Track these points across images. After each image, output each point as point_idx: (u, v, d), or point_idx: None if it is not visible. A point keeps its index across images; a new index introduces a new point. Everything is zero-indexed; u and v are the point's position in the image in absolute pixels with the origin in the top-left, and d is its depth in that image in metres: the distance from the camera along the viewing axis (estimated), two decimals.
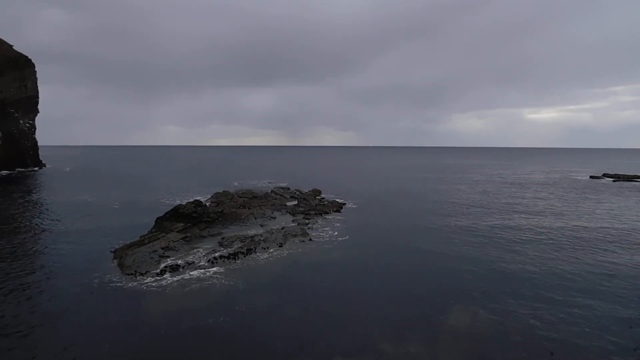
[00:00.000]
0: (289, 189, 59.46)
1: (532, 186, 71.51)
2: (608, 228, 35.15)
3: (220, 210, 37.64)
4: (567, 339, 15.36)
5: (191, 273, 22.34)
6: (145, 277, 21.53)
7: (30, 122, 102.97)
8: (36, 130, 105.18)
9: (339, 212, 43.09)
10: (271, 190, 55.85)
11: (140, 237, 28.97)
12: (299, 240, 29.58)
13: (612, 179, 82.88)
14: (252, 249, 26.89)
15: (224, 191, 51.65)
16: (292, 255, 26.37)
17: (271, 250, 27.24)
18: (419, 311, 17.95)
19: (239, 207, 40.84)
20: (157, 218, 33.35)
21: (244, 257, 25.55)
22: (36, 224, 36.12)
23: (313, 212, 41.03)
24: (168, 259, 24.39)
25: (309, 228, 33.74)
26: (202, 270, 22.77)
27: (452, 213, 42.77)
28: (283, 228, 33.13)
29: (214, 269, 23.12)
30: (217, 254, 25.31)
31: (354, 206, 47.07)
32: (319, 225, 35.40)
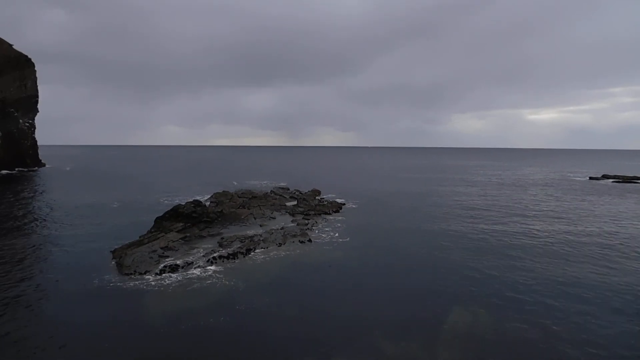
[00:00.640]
0: (288, 189, 59.45)
1: (531, 187, 71.56)
2: (607, 231, 35.16)
3: (219, 210, 37.63)
4: (567, 339, 15.36)
5: (190, 273, 22.34)
6: (144, 277, 21.51)
7: (30, 121, 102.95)
8: (36, 130, 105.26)
9: (339, 212, 43.10)
10: (271, 191, 55.84)
11: (140, 237, 28.96)
12: (299, 240, 29.57)
13: (611, 180, 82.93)
14: (251, 249, 26.89)
15: (223, 191, 51.64)
16: (291, 255, 26.37)
17: (270, 250, 27.23)
18: (418, 311, 17.96)
19: (239, 207, 40.84)
20: (157, 218, 33.33)
21: (244, 257, 25.54)
22: (35, 224, 36.10)
23: (312, 212, 41.03)
24: (167, 259, 24.38)
25: (308, 228, 33.74)
26: (201, 270, 22.76)
27: (451, 214, 42.77)
28: (282, 228, 33.14)
29: (213, 269, 23.12)
30: (216, 254, 25.30)
31: (353, 206, 47.07)
32: (319, 226, 35.40)
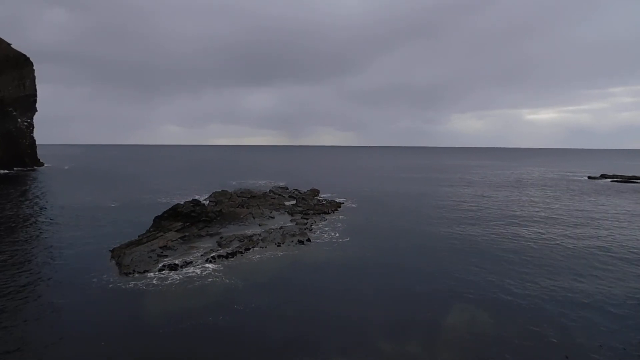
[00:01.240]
0: (287, 188, 59.43)
1: (530, 187, 71.65)
2: (606, 231, 35.24)
3: (218, 209, 37.62)
4: (566, 340, 15.40)
5: (189, 272, 22.33)
6: (143, 277, 21.51)
7: (29, 120, 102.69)
8: (35, 129, 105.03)
9: (338, 211, 43.12)
10: (270, 190, 55.81)
11: (139, 236, 28.95)
12: (297, 240, 29.58)
13: (610, 180, 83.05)
14: (250, 249, 26.91)
15: (222, 191, 51.64)
16: (290, 254, 26.38)
17: (269, 249, 27.24)
18: (417, 311, 17.98)
19: (238, 207, 40.82)
20: (156, 217, 33.30)
21: (242, 256, 25.55)
22: (33, 223, 36.07)
23: (311, 211, 41.04)
24: (166, 259, 24.38)
25: (307, 228, 33.75)
26: (200, 270, 22.75)
27: (450, 214, 42.81)
28: (281, 228, 33.14)
29: (212, 268, 23.12)
30: (215, 254, 25.31)
31: (352, 206, 47.09)
32: (318, 225, 35.41)
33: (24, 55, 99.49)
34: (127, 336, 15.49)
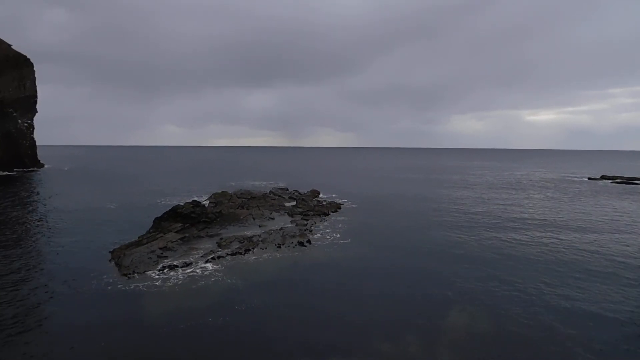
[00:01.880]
0: (287, 189, 59.42)
1: (529, 188, 71.63)
2: (605, 230, 35.23)
3: (218, 210, 37.62)
4: (565, 342, 15.39)
5: (189, 273, 22.32)
6: (143, 278, 21.50)
7: (29, 121, 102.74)
8: (35, 130, 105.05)
9: (338, 212, 43.10)
10: (270, 191, 55.79)
11: (138, 237, 28.93)
12: (297, 241, 29.56)
13: (610, 181, 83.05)
14: (250, 250, 26.89)
15: (222, 191, 51.58)
16: (290, 256, 26.36)
17: (269, 251, 27.23)
18: (417, 312, 17.98)
19: (238, 208, 40.82)
20: (155, 218, 33.30)
21: (242, 257, 25.54)
22: (33, 224, 36.05)
23: (311, 212, 41.02)
24: (166, 260, 24.37)
25: (307, 229, 33.73)
26: (200, 271, 22.74)
27: (450, 215, 42.80)
28: (281, 229, 33.13)
29: (212, 269, 23.10)
30: (215, 255, 25.30)
31: (352, 206, 47.07)
32: (318, 226, 35.39)
33: (24, 56, 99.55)
34: (127, 337, 15.47)
